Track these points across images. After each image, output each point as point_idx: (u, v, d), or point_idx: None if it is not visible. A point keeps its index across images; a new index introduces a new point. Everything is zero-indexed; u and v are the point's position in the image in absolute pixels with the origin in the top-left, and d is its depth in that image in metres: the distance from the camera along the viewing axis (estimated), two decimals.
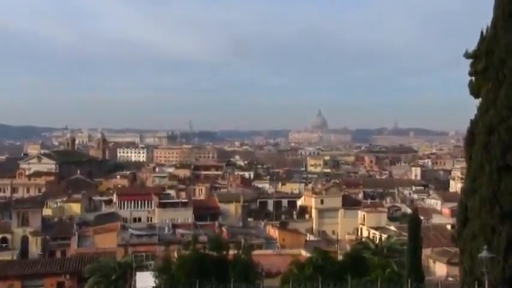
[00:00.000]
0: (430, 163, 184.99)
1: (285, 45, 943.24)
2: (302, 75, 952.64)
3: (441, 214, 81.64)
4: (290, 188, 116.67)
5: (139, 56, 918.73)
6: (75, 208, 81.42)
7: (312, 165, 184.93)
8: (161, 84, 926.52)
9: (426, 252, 45.60)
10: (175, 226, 67.09)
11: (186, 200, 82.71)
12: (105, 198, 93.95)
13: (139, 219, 77.05)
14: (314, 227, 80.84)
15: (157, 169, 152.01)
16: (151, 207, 78.73)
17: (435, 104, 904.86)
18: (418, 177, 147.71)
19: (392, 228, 65.92)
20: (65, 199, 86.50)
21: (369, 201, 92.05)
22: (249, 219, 78.47)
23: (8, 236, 63.37)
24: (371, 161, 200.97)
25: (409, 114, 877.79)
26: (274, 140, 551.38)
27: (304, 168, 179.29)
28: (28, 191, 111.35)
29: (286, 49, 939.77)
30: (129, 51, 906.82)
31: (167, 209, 77.51)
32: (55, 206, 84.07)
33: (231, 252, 36.85)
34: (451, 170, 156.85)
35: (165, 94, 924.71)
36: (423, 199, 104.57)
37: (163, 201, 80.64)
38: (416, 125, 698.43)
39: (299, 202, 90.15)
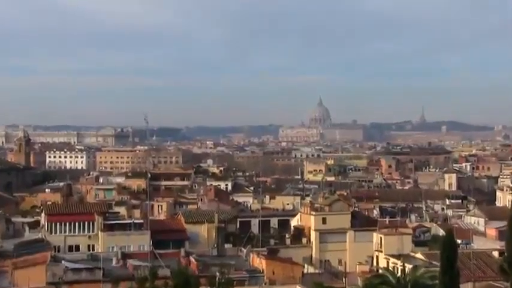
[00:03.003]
0: (469, 168, 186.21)
1: (278, 13, 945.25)
2: (298, 53, 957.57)
3: (485, 236, 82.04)
4: (281, 202, 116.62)
5: (79, 27, 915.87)
6: None
7: (310, 172, 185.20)
8: (107, 65, 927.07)
9: (466, 287, 45.72)
10: (126, 256, 66.68)
11: (141, 221, 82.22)
12: (29, 219, 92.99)
13: (77, 248, 76.43)
14: (314, 254, 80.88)
15: (101, 179, 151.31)
16: (93, 231, 78.17)
17: (474, 89, 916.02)
18: (454, 187, 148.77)
19: (419, 256, 66.10)
20: None
21: (387, 219, 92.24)
22: (227, 246, 78.29)
23: None
24: (390, 166, 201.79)
25: (440, 103, 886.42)
26: (259, 138, 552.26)
27: (300, 176, 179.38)
28: None
29: (279, 19, 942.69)
30: (63, 22, 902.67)
31: (115, 233, 76.97)
32: None
33: None
34: (498, 177, 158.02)
35: (112, 78, 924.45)
36: (460, 216, 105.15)
37: (110, 222, 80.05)
38: (450, 117, 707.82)
39: (293, 222, 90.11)
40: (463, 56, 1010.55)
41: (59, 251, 72.96)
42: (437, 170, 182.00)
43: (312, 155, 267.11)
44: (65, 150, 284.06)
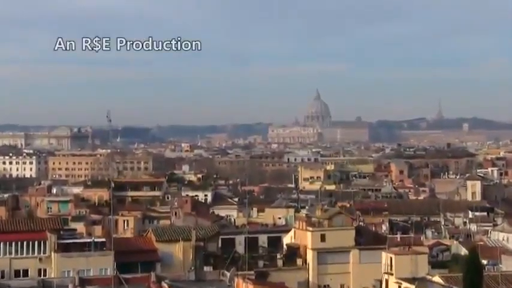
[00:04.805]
0: (496, 174, 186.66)
1: None
2: (292, 38, 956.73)
3: None
4: (271, 216, 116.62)
5: (28, 8, 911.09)
6: None
7: (306, 179, 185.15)
8: (62, 53, 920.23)
9: None
10: (84, 282, 66.52)
11: (103, 240, 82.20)
12: None
13: (26, 273, 76.25)
14: (311, 278, 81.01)
15: (54, 189, 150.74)
16: (44, 253, 77.96)
17: (501, 79, 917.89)
18: (478, 197, 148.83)
19: (437, 279, 66.32)
20: None
21: (398, 236, 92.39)
22: (206, 268, 78.35)
23: None
24: (401, 172, 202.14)
25: (460, 97, 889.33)
26: (244, 139, 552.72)
27: (293, 185, 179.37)
28: None
29: None
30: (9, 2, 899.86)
31: (71, 255, 76.91)
32: None
33: None
34: None
35: (66, 67, 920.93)
36: (486, 232, 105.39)
37: (65, 241, 79.99)
38: (473, 113, 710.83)
39: (286, 239, 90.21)
40: (490, 41, 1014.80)
41: (3, 277, 72.72)
42: (458, 177, 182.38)
43: (308, 159, 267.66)
44: (10, 154, 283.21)
